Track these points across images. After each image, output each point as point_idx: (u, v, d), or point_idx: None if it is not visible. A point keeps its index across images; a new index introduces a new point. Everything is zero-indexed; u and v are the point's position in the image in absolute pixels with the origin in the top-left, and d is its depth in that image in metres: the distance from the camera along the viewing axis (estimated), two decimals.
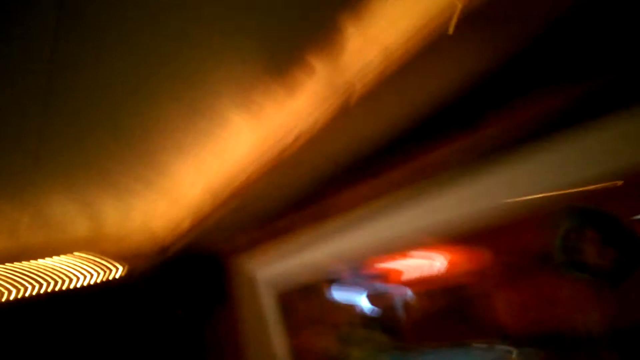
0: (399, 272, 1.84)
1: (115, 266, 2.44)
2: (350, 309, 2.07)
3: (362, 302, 2.01)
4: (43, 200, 1.56)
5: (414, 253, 1.76)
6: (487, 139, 1.22)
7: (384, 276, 1.89)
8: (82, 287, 2.44)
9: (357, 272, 1.96)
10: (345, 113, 1.19)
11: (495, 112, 1.19)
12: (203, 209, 1.84)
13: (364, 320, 2.03)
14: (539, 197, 1.22)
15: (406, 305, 1.87)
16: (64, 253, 2.21)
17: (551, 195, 1.18)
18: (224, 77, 1.14)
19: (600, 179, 1.10)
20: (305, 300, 2.21)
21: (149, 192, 1.79)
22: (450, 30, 0.91)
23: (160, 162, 1.54)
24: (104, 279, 2.49)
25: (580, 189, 1.12)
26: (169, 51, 0.99)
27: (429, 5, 0.94)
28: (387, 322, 1.92)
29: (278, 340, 2.15)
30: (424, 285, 1.76)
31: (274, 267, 2.17)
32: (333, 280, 2.07)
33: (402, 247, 1.71)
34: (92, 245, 2.22)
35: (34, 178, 1.37)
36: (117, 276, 2.52)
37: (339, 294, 2.09)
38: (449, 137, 1.28)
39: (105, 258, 2.36)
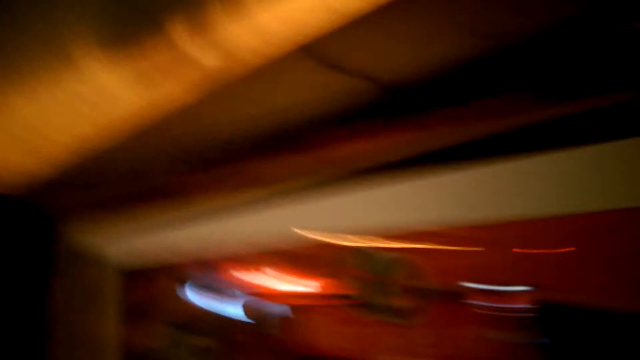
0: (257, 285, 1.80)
1: None
2: (188, 308, 1.97)
3: (212, 304, 1.93)
4: None
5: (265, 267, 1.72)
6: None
7: (241, 285, 1.84)
8: None
9: (212, 274, 1.88)
10: (213, 95, 1.12)
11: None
12: (51, 161, 1.65)
13: (198, 322, 1.95)
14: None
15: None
16: None
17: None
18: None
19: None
20: (143, 286, 2.07)
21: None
22: None
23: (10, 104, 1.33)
24: None
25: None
26: None
27: None
28: (220, 330, 1.87)
29: (108, 323, 2.01)
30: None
31: (120, 243, 2.03)
32: (184, 273, 1.97)
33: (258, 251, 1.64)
34: None
35: None
36: None
37: (187, 291, 1.98)
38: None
39: None
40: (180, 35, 0.97)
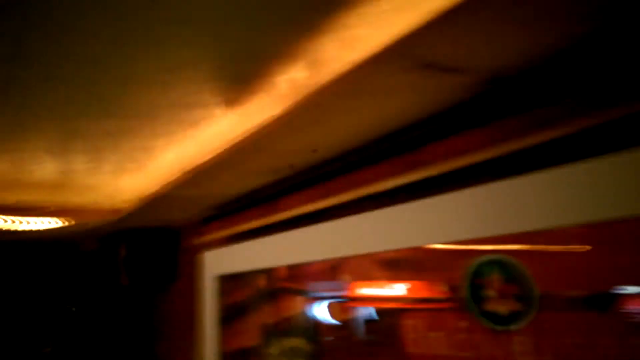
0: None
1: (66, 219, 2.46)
2: (281, 310, 2.04)
3: (315, 310, 2.00)
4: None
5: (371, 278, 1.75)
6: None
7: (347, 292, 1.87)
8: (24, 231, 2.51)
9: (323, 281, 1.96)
10: (306, 118, 1.24)
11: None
12: (169, 185, 1.98)
13: (290, 324, 2.02)
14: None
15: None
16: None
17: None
18: (208, 77, 1.29)
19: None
20: (240, 291, 2.20)
21: (122, 159, 1.92)
22: None
23: (137, 138, 1.71)
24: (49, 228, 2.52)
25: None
26: (158, 55, 1.16)
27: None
28: (316, 334, 1.93)
29: (211, 322, 2.15)
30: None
31: (221, 251, 2.17)
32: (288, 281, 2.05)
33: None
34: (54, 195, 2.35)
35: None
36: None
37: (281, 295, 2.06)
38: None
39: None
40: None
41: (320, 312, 1.96)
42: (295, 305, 2.01)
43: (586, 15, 0.78)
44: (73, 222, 2.60)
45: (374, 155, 1.31)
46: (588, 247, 1.21)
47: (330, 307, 1.92)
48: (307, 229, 1.55)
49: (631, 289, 1.11)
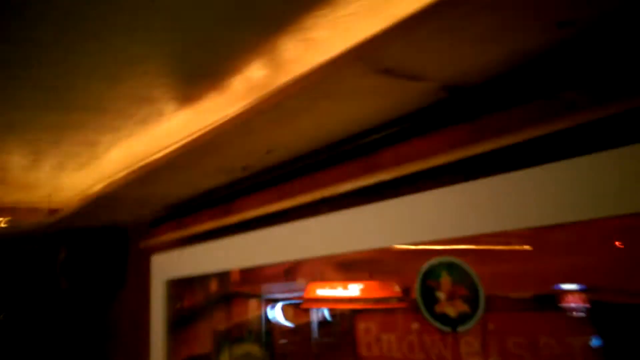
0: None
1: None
2: (233, 315, 2.02)
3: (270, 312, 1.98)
4: None
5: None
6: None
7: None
8: None
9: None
10: (263, 119, 1.21)
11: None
12: (115, 183, 1.91)
13: (242, 329, 2.01)
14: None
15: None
16: None
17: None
18: (161, 71, 1.23)
19: None
20: (190, 296, 2.17)
21: (63, 155, 1.82)
22: None
23: (80, 133, 1.61)
24: None
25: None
26: (109, 45, 1.10)
27: None
28: (269, 338, 1.94)
29: (160, 329, 2.09)
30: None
31: (171, 254, 2.10)
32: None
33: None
34: None
35: None
36: None
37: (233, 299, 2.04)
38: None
39: None
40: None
41: (275, 315, 1.94)
42: (249, 309, 1.97)
43: (543, 28, 0.82)
44: (9, 221, 2.42)
45: (331, 157, 1.31)
46: (529, 248, 1.27)
47: (284, 309, 1.90)
48: (260, 232, 1.51)
49: (571, 286, 1.18)
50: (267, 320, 1.95)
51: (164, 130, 1.70)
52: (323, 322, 1.80)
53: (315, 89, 0.99)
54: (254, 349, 1.94)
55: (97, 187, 2.15)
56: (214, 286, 2.09)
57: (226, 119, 1.23)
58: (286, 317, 1.95)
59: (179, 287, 2.10)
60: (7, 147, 1.79)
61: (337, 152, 1.27)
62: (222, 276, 2.04)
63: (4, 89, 1.32)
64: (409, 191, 1.10)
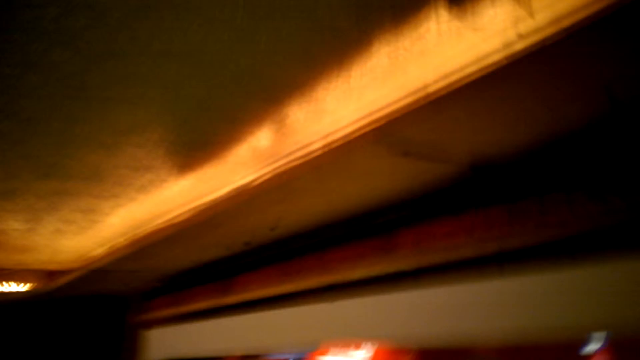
0: None
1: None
2: None
3: None
4: None
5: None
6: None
7: None
8: None
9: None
10: (268, 198, 1.11)
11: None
12: (112, 255, 1.81)
13: None
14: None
15: None
16: None
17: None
18: (161, 140, 1.15)
19: None
20: None
21: (61, 221, 1.75)
22: None
23: (78, 201, 1.55)
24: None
25: None
26: (108, 114, 1.04)
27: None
28: None
29: None
30: None
31: (166, 331, 1.94)
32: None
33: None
34: None
35: None
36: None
37: None
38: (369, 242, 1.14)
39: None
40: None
41: None
42: None
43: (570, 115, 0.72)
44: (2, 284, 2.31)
45: (340, 236, 1.18)
46: None
47: None
48: (263, 313, 1.37)
49: None
50: None
51: (164, 197, 1.62)
52: None
53: (325, 168, 0.89)
54: None
55: (95, 254, 2.05)
56: None
57: (230, 195, 1.13)
58: None
59: None
60: (5, 214, 1.72)
61: (347, 231, 1.14)
62: None
63: (0, 159, 1.27)
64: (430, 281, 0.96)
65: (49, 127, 1.12)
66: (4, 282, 2.31)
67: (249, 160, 1.34)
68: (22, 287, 2.29)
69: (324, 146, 1.14)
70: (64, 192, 1.53)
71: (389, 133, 0.80)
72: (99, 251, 2.08)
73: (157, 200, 1.64)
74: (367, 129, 0.85)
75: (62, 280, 2.18)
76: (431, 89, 0.86)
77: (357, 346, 1.62)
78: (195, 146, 1.25)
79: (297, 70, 0.88)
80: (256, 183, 1.18)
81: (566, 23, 0.59)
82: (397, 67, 0.80)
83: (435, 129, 0.77)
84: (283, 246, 1.33)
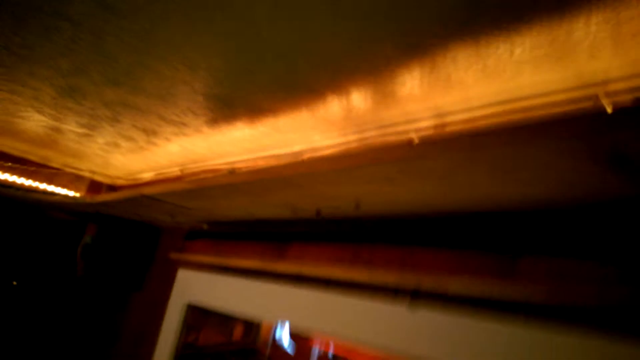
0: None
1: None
2: None
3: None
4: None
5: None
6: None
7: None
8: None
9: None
10: (365, 166, 0.88)
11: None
12: (164, 183, 1.75)
13: None
14: None
15: None
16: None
17: None
18: (248, 72, 0.97)
19: None
20: (212, 333, 1.89)
21: (118, 135, 1.65)
22: None
23: (141, 117, 1.44)
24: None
25: None
26: (191, 30, 0.86)
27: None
28: None
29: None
30: None
31: (201, 276, 1.83)
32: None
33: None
34: (36, 152, 2.06)
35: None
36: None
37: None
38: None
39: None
40: None
41: (282, 335, 1.79)
42: None
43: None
44: (48, 187, 2.29)
45: (434, 237, 0.98)
46: None
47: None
48: (316, 294, 1.21)
49: None
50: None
51: (232, 139, 1.47)
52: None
53: (435, 154, 0.69)
54: None
55: (147, 176, 1.95)
56: (238, 333, 1.79)
57: (325, 157, 0.95)
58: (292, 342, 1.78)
59: (197, 317, 1.82)
60: (67, 112, 1.63)
61: (446, 233, 0.94)
62: (252, 326, 1.74)
63: (72, 53, 1.14)
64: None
65: (134, 23, 0.97)
66: (50, 184, 2.28)
67: (341, 121, 1.15)
68: (66, 192, 2.26)
69: (439, 126, 0.94)
70: (132, 105, 1.41)
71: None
72: (151, 175, 1.99)
73: (223, 139, 1.49)
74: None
75: (108, 196, 2.11)
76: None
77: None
78: (285, 89, 1.07)
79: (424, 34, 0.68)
80: (343, 149, 0.99)
81: None
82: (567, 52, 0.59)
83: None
84: (359, 226, 1.15)
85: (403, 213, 1.02)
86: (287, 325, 1.83)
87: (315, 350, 1.78)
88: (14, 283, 2.51)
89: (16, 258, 2.57)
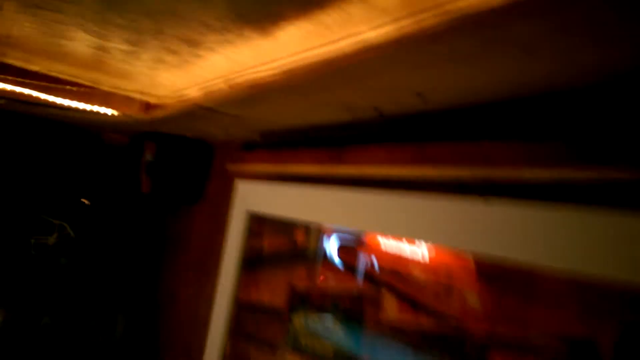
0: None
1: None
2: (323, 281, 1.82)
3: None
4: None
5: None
6: None
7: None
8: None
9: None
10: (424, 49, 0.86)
11: None
12: (212, 94, 1.72)
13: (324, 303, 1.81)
14: None
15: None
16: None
17: None
18: None
19: None
20: (276, 239, 1.95)
21: (163, 49, 1.63)
22: None
23: (184, 27, 1.42)
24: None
25: None
26: None
27: None
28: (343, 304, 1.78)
29: (233, 262, 1.90)
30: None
31: (260, 186, 1.87)
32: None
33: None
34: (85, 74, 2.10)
35: None
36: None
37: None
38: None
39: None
40: None
41: (330, 248, 1.82)
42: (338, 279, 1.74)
43: None
44: (100, 108, 2.36)
45: (503, 128, 0.91)
46: None
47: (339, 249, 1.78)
48: (374, 196, 1.21)
49: None
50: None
51: (277, 43, 1.40)
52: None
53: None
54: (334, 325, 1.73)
55: (193, 93, 1.95)
56: (300, 237, 1.87)
57: (376, 42, 0.88)
58: (339, 256, 1.83)
59: (260, 225, 1.90)
60: (114, 30, 1.60)
61: (519, 123, 0.87)
62: (314, 230, 1.80)
63: None
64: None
65: None
66: (101, 105, 2.34)
67: (395, 6, 1.05)
68: (114, 113, 2.32)
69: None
70: (173, 11, 1.36)
71: None
72: (198, 89, 1.99)
73: (271, 45, 1.43)
74: None
75: (158, 114, 2.14)
76: None
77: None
78: None
79: None
80: (397, 35, 0.91)
81: None
82: None
83: None
84: (423, 122, 1.10)
85: (470, 103, 0.95)
86: (334, 239, 1.83)
87: (362, 261, 1.81)
88: (87, 202, 2.72)
89: (83, 181, 2.75)
